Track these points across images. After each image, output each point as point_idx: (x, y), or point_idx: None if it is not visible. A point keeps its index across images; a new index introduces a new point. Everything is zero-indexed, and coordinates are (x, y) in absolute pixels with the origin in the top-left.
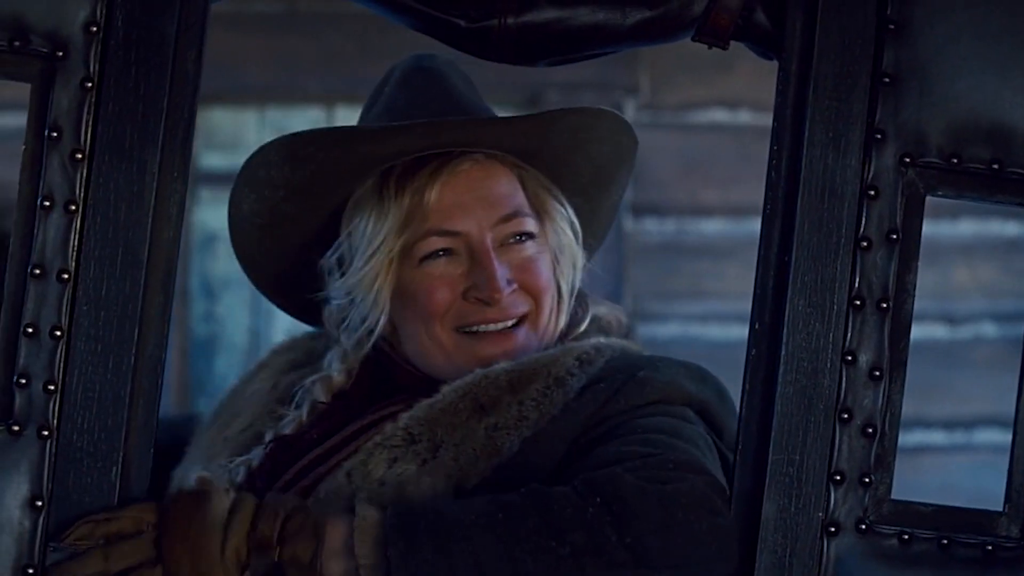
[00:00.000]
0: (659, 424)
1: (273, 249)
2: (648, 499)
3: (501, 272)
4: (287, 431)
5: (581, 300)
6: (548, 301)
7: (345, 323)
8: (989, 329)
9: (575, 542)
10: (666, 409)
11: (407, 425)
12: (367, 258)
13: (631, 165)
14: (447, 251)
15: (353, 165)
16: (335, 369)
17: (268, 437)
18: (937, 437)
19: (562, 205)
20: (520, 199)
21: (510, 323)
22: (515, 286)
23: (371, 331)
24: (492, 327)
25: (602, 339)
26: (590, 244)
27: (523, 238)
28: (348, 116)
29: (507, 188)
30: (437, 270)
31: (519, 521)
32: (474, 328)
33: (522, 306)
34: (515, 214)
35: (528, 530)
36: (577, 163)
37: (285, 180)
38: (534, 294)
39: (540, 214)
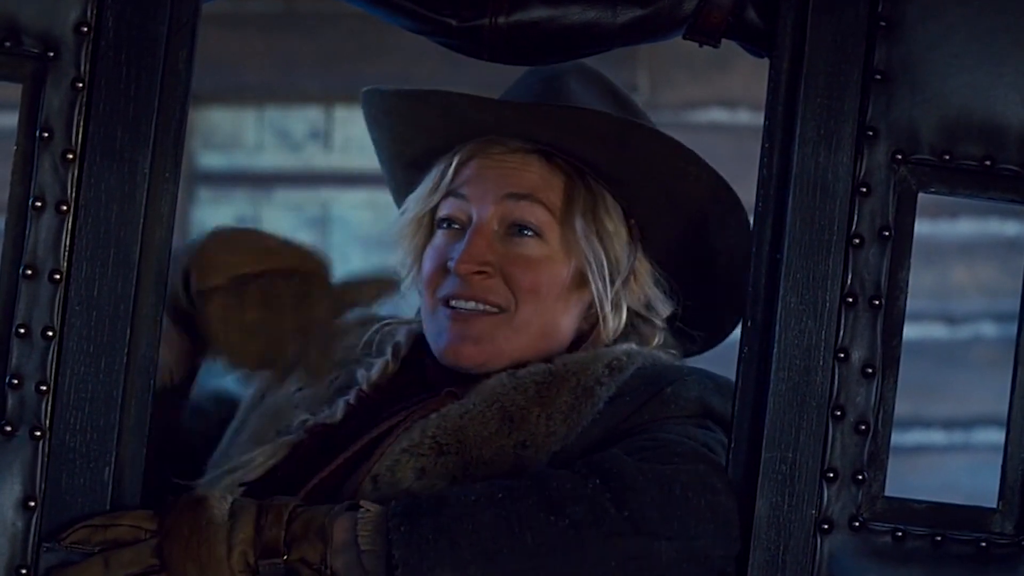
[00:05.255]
0: (670, 427)
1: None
2: (646, 476)
3: (480, 252)
4: (323, 420)
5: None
6: (531, 305)
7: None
8: (988, 329)
9: (574, 514)
10: (684, 420)
11: (435, 433)
12: (404, 212)
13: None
14: (452, 222)
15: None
16: (377, 364)
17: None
18: (936, 437)
19: (602, 219)
20: (546, 194)
21: (479, 307)
22: (492, 273)
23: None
24: (460, 304)
25: (633, 345)
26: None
27: (528, 232)
28: (347, 116)
29: (536, 178)
30: (438, 240)
31: (519, 499)
32: (450, 303)
33: (495, 295)
34: (528, 196)
35: (528, 506)
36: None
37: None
38: (515, 292)
39: (567, 220)
